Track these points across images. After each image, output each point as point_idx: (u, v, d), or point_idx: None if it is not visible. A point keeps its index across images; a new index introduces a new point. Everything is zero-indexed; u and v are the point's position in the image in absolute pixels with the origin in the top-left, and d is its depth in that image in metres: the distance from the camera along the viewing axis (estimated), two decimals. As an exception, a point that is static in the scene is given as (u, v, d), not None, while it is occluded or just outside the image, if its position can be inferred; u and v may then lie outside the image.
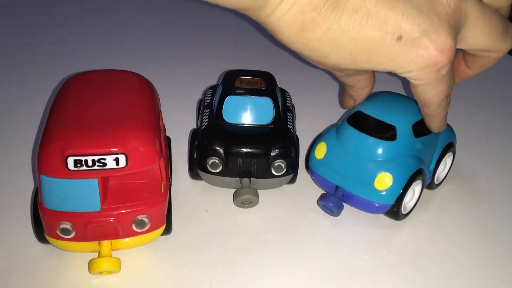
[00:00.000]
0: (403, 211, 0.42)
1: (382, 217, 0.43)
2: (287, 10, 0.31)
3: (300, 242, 0.41)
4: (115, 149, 0.34)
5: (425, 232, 0.42)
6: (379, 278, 0.38)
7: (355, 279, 0.38)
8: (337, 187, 0.42)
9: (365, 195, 0.41)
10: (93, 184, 0.34)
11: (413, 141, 0.41)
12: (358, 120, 0.42)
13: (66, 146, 0.33)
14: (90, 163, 0.33)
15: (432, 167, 0.44)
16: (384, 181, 0.40)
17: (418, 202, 0.44)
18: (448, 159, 0.46)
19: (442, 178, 0.47)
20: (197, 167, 0.43)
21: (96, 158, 0.33)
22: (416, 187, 0.42)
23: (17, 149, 0.48)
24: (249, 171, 0.43)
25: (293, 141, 0.43)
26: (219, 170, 0.42)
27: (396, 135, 0.41)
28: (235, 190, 0.43)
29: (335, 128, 0.44)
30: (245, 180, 0.42)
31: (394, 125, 0.41)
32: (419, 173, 0.41)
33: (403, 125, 0.41)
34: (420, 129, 0.42)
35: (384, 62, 0.33)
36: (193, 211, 0.43)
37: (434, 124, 0.41)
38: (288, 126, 0.44)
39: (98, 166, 0.34)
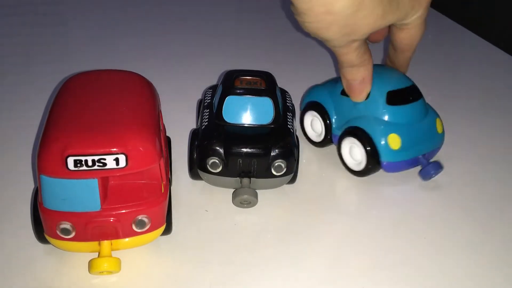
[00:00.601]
0: None
1: (381, 218, 0.44)
2: None
3: (300, 242, 0.41)
4: (115, 149, 0.34)
5: (425, 232, 0.42)
6: (379, 278, 0.38)
7: (355, 279, 0.38)
8: (418, 157, 0.46)
9: (435, 145, 0.47)
10: (93, 184, 0.34)
11: None
12: (395, 98, 0.45)
13: (66, 146, 0.33)
14: (90, 163, 0.33)
15: None
16: (440, 124, 0.48)
17: (419, 202, 0.45)
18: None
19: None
20: (197, 167, 0.43)
21: (96, 158, 0.33)
22: None
23: (17, 149, 0.48)
24: (249, 171, 0.42)
25: (293, 141, 0.43)
26: (219, 170, 0.42)
27: (420, 91, 0.47)
28: (234, 190, 0.43)
29: (377, 119, 0.45)
30: (245, 180, 0.42)
31: (414, 84, 0.47)
32: None
33: (414, 82, 0.47)
34: None
35: (406, 6, 0.40)
36: (193, 211, 0.43)
37: (407, 67, 0.48)
38: (288, 126, 0.44)
39: (98, 166, 0.34)
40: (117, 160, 0.34)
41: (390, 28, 0.45)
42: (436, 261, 0.40)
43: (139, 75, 0.42)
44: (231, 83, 0.45)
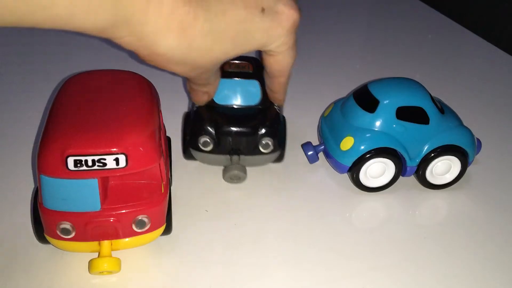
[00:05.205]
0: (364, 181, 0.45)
1: (382, 218, 0.44)
2: (159, 12, 0.30)
3: (300, 243, 0.41)
4: (115, 149, 0.34)
5: (425, 232, 0.42)
6: (379, 279, 0.38)
7: (356, 279, 0.38)
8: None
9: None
10: (93, 184, 0.34)
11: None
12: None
13: (66, 146, 0.33)
14: (90, 163, 0.33)
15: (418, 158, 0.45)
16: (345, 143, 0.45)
17: (414, 205, 0.45)
18: (451, 162, 0.45)
19: (446, 181, 0.46)
20: (189, 146, 0.45)
21: (96, 158, 0.33)
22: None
23: (17, 149, 0.48)
24: (238, 148, 0.45)
25: (279, 121, 0.46)
26: (210, 148, 0.45)
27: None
28: (224, 167, 0.45)
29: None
30: (235, 157, 0.45)
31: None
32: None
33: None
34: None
35: (260, 37, 0.35)
36: (193, 211, 0.43)
37: (284, 94, 0.44)
38: (275, 106, 0.46)
39: (98, 166, 0.34)
40: (117, 160, 0.34)
41: (260, 53, 0.40)
42: (436, 262, 0.40)
43: (139, 75, 0.42)
44: (221, 66, 0.45)
